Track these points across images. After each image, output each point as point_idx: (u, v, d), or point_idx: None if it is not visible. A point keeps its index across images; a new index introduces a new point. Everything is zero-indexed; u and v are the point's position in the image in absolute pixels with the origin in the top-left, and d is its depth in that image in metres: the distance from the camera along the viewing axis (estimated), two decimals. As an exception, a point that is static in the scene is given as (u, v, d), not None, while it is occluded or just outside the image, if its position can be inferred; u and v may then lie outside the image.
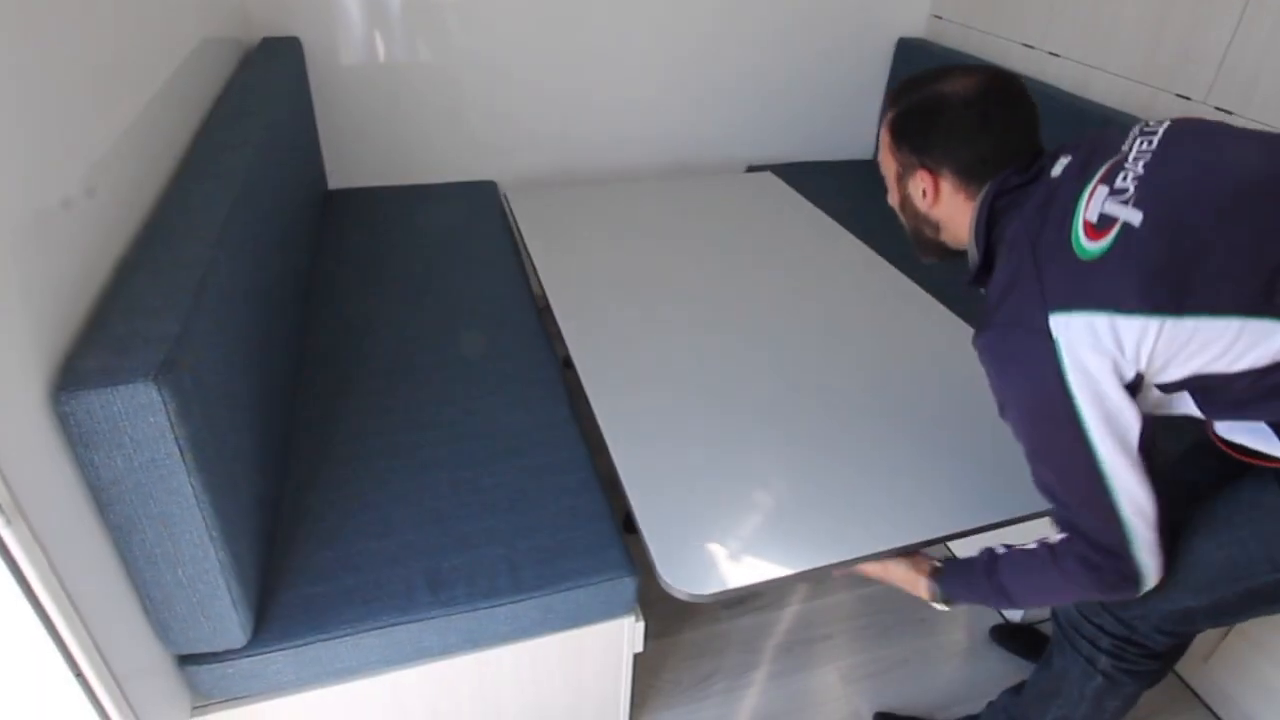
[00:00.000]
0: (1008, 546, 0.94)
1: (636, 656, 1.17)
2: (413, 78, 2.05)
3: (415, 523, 1.10)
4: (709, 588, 0.94)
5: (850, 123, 2.50)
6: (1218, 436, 0.87)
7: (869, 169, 2.51)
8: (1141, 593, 0.84)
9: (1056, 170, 0.82)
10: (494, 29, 2.04)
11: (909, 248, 1.03)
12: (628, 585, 1.08)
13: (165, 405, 0.73)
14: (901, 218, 1.00)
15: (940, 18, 2.34)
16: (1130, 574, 0.82)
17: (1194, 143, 0.78)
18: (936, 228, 0.95)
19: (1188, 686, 1.42)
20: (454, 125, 2.14)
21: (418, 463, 1.20)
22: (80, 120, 0.89)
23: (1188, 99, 1.65)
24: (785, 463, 1.13)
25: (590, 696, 1.21)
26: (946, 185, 0.89)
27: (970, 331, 0.99)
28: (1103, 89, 1.83)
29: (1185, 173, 0.75)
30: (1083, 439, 0.76)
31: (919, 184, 0.91)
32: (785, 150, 2.49)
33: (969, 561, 0.97)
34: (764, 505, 1.06)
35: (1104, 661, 0.99)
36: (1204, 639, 1.34)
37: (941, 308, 1.53)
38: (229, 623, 0.90)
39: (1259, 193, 0.73)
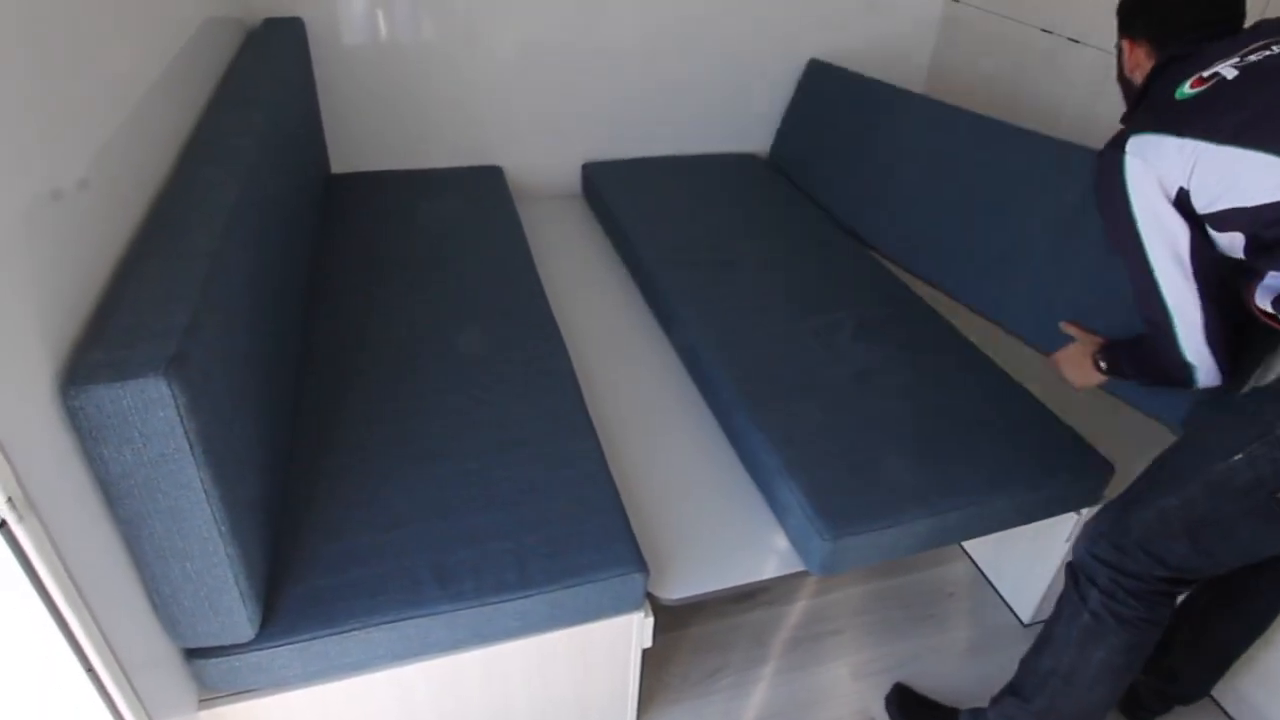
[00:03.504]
0: None
1: (644, 651, 1.17)
2: (417, 59, 2.01)
3: (422, 515, 1.09)
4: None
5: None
6: (1260, 309, 0.96)
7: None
8: (1195, 385, 1.02)
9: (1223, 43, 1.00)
10: (501, 8, 2.00)
11: None
12: (637, 581, 1.07)
13: (175, 399, 0.72)
14: (1119, 80, 1.18)
15: (959, 1, 2.29)
16: (1177, 360, 1.01)
17: None
18: (1130, 85, 1.14)
19: (1210, 697, 1.40)
20: (460, 108, 2.11)
21: (424, 453, 1.19)
22: (83, 106, 0.87)
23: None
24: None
25: (598, 691, 1.20)
26: (1140, 53, 1.10)
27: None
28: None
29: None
30: (1138, 241, 0.98)
31: (1124, 53, 1.12)
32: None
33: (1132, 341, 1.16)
34: None
35: (1095, 599, 1.03)
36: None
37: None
38: (237, 617, 0.89)
39: None
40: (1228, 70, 0.94)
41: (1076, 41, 1.90)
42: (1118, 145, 0.99)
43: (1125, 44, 1.11)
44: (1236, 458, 0.91)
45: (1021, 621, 1.52)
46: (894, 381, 1.40)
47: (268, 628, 0.95)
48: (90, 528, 0.75)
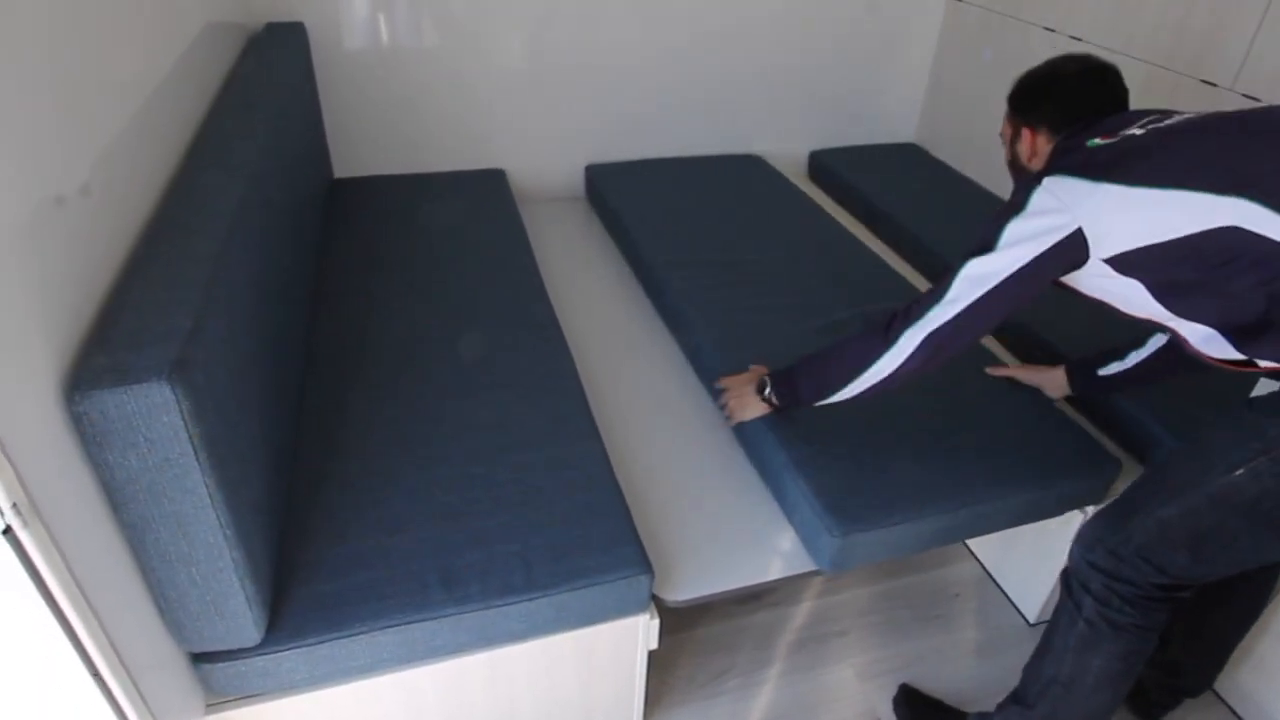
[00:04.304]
0: None
1: (650, 653, 1.16)
2: (420, 62, 2.01)
3: (427, 518, 1.09)
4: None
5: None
6: (1221, 361, 0.97)
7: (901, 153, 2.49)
8: (881, 350, 1.05)
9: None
10: (503, 11, 2.01)
11: None
12: (642, 583, 1.06)
13: (179, 404, 0.72)
14: (1010, 168, 1.20)
15: (961, 0, 2.29)
16: (899, 320, 1.04)
17: (1201, 121, 0.97)
18: (1023, 170, 1.16)
19: (1215, 693, 1.40)
20: (462, 112, 2.11)
21: (428, 456, 1.19)
22: (86, 111, 0.87)
23: (1213, 85, 1.61)
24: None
25: (604, 693, 1.20)
26: (1041, 140, 1.12)
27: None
28: (1125, 75, 1.79)
29: (1185, 125, 0.96)
30: (988, 248, 0.97)
31: (1024, 142, 1.14)
32: (809, 140, 2.47)
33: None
34: None
35: (1089, 607, 1.03)
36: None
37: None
38: (243, 621, 0.89)
39: (1216, 127, 0.94)
40: (1134, 130, 0.96)
41: (1079, 40, 1.89)
42: (1032, 181, 0.98)
43: (1026, 132, 1.12)
44: (1239, 472, 0.91)
45: (1028, 621, 1.51)
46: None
47: (274, 632, 0.95)
48: (95, 533, 0.75)
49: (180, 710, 0.90)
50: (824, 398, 1.15)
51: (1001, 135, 1.19)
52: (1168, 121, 0.96)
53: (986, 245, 0.98)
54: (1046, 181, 0.95)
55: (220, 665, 0.93)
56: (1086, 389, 1.35)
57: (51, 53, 0.80)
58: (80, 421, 0.70)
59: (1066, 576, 1.09)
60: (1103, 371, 1.30)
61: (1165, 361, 1.21)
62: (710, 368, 1.46)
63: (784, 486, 1.24)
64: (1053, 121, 1.08)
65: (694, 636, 1.45)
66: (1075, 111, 1.06)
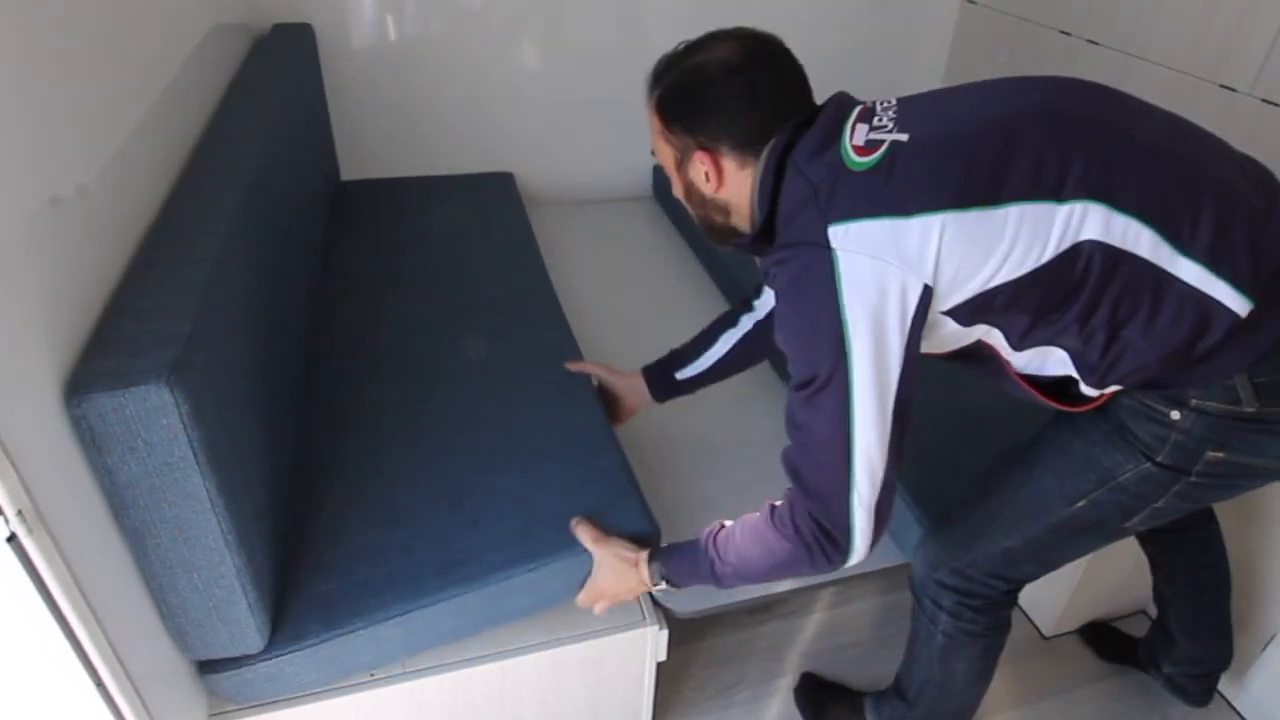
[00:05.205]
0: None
1: (659, 664, 1.15)
2: (428, 65, 2.00)
3: (426, 511, 1.07)
4: None
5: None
6: (1021, 376, 0.85)
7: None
8: (848, 561, 0.81)
9: (819, 119, 0.81)
10: (514, 14, 2.00)
11: None
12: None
13: (178, 406, 0.71)
14: (688, 208, 0.93)
15: (974, 2, 2.27)
16: (837, 530, 0.79)
17: (925, 100, 0.82)
18: (726, 212, 0.89)
19: (1224, 699, 1.38)
20: (471, 114, 2.10)
21: (431, 456, 1.17)
22: (90, 113, 0.86)
23: (1233, 90, 1.59)
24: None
25: (612, 705, 1.18)
26: (729, 163, 0.84)
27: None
28: (1142, 79, 1.77)
29: (931, 112, 0.79)
30: (844, 366, 0.74)
31: (699, 167, 0.85)
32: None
33: (691, 539, 0.96)
34: None
35: (944, 621, 1.03)
36: (1241, 650, 1.31)
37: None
38: (245, 627, 0.88)
39: (995, 125, 0.75)
40: (882, 135, 0.75)
41: (1095, 44, 1.87)
42: (813, 243, 0.73)
43: (701, 157, 0.83)
44: (1079, 504, 0.88)
45: (1042, 634, 1.49)
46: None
47: (276, 636, 0.93)
48: (98, 539, 0.74)
49: (184, 718, 0.89)
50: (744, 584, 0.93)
51: (654, 154, 0.91)
52: (910, 114, 0.77)
53: (830, 371, 0.74)
54: (840, 238, 0.72)
55: (226, 674, 0.92)
56: (666, 394, 1.25)
57: (57, 56, 0.80)
58: (79, 425, 0.69)
59: (915, 591, 1.08)
60: (680, 375, 1.22)
61: (745, 356, 1.17)
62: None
63: None
64: (737, 140, 0.82)
65: (704, 648, 1.43)
66: (762, 123, 0.80)
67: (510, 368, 1.37)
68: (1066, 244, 0.71)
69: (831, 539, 0.80)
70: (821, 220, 0.74)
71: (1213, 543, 1.20)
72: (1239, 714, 1.36)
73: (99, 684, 0.73)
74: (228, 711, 0.97)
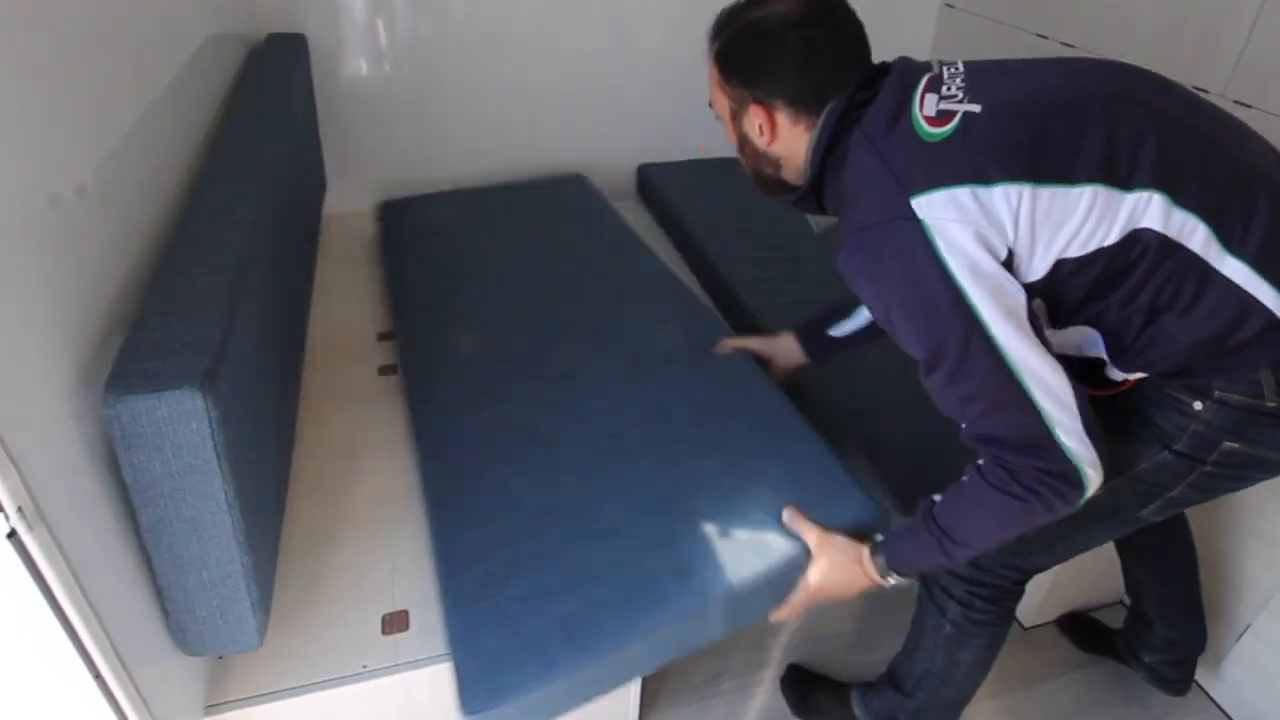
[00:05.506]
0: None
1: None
2: (425, 76, 2.01)
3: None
4: None
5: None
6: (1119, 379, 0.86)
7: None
8: (1087, 493, 0.78)
9: (886, 87, 0.81)
10: (506, 24, 2.01)
11: None
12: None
13: (208, 412, 0.73)
14: (741, 158, 0.95)
15: (953, 6, 2.31)
16: (1062, 469, 0.76)
17: (995, 69, 0.82)
18: (777, 165, 0.91)
19: (1201, 689, 1.40)
20: (468, 124, 2.11)
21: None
22: (94, 114, 0.88)
23: (1206, 92, 1.61)
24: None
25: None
26: (783, 118, 0.85)
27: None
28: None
29: (1001, 83, 0.79)
30: (974, 320, 0.73)
31: (754, 120, 0.87)
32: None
33: (909, 523, 0.92)
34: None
35: (953, 610, 1.04)
36: (1216, 640, 1.33)
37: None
38: (246, 626, 0.90)
39: (1067, 102, 0.77)
40: (953, 105, 0.76)
41: (1071, 46, 1.90)
42: (899, 217, 0.74)
43: (756, 111, 0.85)
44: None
45: (1022, 625, 1.52)
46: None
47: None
48: (103, 537, 0.76)
49: (180, 712, 0.90)
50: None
51: (711, 105, 0.92)
52: (979, 83, 0.77)
53: (966, 330, 0.74)
54: (924, 207, 0.73)
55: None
56: (820, 352, 1.24)
57: (58, 62, 0.81)
58: (111, 424, 0.71)
59: (925, 579, 1.09)
60: (833, 331, 1.21)
61: None
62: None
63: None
64: (791, 95, 0.83)
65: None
66: (818, 82, 0.81)
67: (663, 363, 1.35)
68: (1129, 230, 0.74)
69: (1063, 478, 0.77)
70: (903, 193, 0.74)
71: (1178, 520, 1.22)
72: (1216, 704, 1.39)
73: (96, 676, 0.74)
74: (224, 704, 0.99)
